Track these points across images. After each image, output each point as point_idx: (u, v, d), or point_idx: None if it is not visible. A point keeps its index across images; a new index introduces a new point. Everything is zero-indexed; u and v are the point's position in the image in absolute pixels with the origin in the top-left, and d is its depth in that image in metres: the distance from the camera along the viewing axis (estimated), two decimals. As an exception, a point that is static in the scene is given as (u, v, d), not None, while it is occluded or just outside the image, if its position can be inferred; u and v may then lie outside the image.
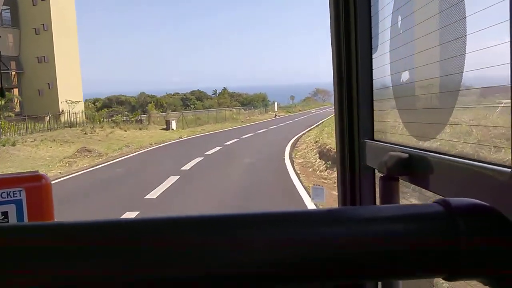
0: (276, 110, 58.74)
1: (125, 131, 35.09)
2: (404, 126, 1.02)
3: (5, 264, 0.37)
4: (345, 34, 1.22)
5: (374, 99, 1.18)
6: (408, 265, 0.41)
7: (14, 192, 1.13)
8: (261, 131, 33.58)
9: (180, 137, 31.48)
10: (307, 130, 31.11)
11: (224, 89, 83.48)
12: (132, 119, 41.92)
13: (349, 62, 1.22)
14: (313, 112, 63.32)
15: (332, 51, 1.28)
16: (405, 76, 1.00)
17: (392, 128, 1.13)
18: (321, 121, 36.91)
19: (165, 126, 38.28)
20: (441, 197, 0.46)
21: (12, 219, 1.12)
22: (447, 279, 0.42)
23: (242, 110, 59.74)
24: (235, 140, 27.00)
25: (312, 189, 7.96)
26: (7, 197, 1.13)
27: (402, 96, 1.05)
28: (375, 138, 1.16)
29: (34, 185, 1.16)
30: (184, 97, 74.29)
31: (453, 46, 0.79)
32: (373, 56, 1.18)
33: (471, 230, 0.41)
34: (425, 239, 0.41)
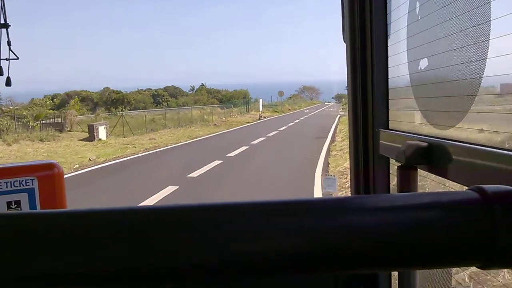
0: (260, 109, 45.17)
1: (9, 144, 21.08)
2: (422, 114, 1.00)
3: (18, 252, 0.37)
4: (360, 21, 1.20)
5: (389, 87, 1.16)
6: (443, 254, 0.40)
7: (27, 181, 1.13)
8: (240, 151, 17.32)
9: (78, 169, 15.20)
10: (325, 151, 16.80)
11: (202, 85, 74.07)
12: (35, 125, 27.20)
13: (363, 49, 1.20)
14: (306, 112, 52.31)
15: (346, 39, 1.26)
16: (423, 63, 0.98)
17: (408, 117, 1.11)
18: (333, 128, 26.86)
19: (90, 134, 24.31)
20: (463, 186, 0.45)
21: (25, 208, 1.12)
22: (482, 267, 0.41)
23: (218, 109, 46.94)
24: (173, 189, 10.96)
25: (324, 179, 7.83)
26: (20, 186, 1.13)
27: (420, 84, 1.03)
28: (390, 127, 1.15)
29: (46, 173, 1.15)
30: (156, 93, 66.10)
31: (475, 32, 0.77)
32: (388, 43, 1.15)
33: (508, 217, 0.39)
34: (460, 226, 0.40)
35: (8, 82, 1.73)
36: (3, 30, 1.63)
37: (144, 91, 65.76)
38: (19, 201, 1.13)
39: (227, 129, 30.56)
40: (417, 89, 1.04)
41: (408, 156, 0.86)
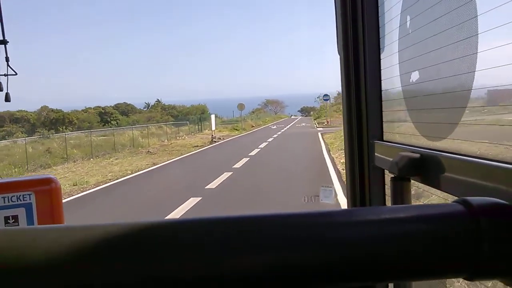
0: (213, 127, 33.18)
1: None
2: (415, 126, 1.02)
3: (15, 268, 0.37)
4: (353, 34, 1.22)
5: (382, 99, 1.17)
6: (428, 266, 0.40)
7: (24, 196, 1.14)
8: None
9: None
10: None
11: (158, 101, 69.50)
12: None
13: (357, 62, 1.22)
14: (274, 130, 40.93)
15: (340, 52, 1.28)
16: (414, 76, 1.00)
17: (401, 128, 1.12)
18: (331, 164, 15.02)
19: None
20: (454, 197, 0.46)
21: (22, 223, 1.13)
22: (468, 279, 0.42)
23: (165, 127, 38.54)
24: None
25: (321, 190, 7.78)
26: (17, 201, 1.13)
27: (412, 96, 1.05)
28: (384, 139, 1.16)
29: (44, 188, 1.16)
30: (103, 111, 59.10)
31: (464, 46, 0.79)
32: (381, 56, 1.17)
33: (494, 229, 0.40)
34: (446, 238, 0.40)
35: (7, 98, 1.75)
36: (1, 46, 1.65)
37: (91, 109, 58.96)
38: (17, 216, 1.13)
39: (162, 161, 20.16)
40: (409, 101, 1.06)
41: (401, 167, 0.87)
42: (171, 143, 29.96)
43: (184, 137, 34.96)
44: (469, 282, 0.43)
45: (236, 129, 43.63)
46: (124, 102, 66.69)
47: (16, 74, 1.64)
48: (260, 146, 24.10)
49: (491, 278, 0.42)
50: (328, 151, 19.81)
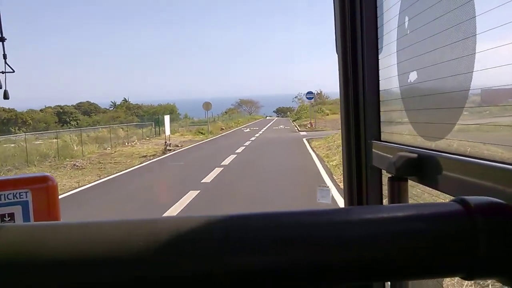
0: (168, 132, 27.61)
1: None
2: (412, 126, 1.02)
3: (10, 264, 0.37)
4: (351, 34, 1.22)
5: (380, 99, 1.17)
6: (426, 265, 0.40)
7: (21, 194, 1.13)
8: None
9: None
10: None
11: (124, 100, 64.19)
12: None
13: (355, 62, 1.22)
14: (247, 134, 34.23)
15: (338, 52, 1.28)
16: (412, 76, 1.00)
17: (399, 128, 1.13)
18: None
19: None
20: (452, 197, 0.46)
21: (18, 221, 1.13)
22: (466, 278, 0.42)
23: (122, 129, 32.27)
24: None
25: (318, 190, 7.74)
26: (13, 199, 1.13)
27: (410, 96, 1.05)
28: (381, 139, 1.16)
29: (40, 186, 1.16)
30: (61, 110, 54.61)
31: (462, 46, 0.79)
32: (380, 56, 1.17)
33: (491, 228, 0.40)
34: (444, 237, 0.40)
35: (5, 95, 1.74)
36: None
37: (50, 108, 54.12)
38: (13, 213, 1.13)
39: (81, 184, 13.98)
40: (407, 101, 1.06)
41: (398, 167, 0.88)
42: (114, 152, 23.61)
43: (135, 143, 28.26)
44: (467, 281, 0.43)
45: (202, 133, 35.88)
46: (87, 101, 62.89)
47: (13, 71, 1.64)
48: (224, 162, 16.58)
49: (488, 277, 0.42)
50: (330, 174, 12.89)
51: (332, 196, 8.49)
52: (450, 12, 0.82)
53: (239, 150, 21.04)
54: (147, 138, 31.92)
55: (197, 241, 0.39)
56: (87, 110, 59.82)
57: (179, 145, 26.08)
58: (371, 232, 0.40)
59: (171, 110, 60.69)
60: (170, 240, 0.39)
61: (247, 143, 25.72)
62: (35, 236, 0.39)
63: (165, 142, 25.35)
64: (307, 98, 43.47)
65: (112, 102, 66.35)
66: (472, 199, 0.42)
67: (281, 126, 45.94)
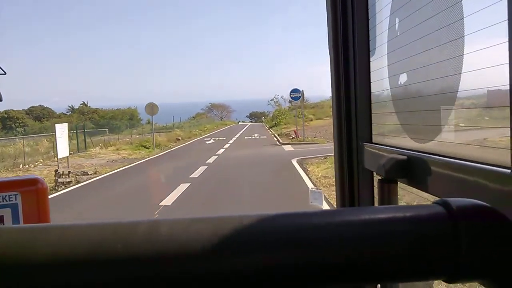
0: (62, 152, 16.63)
1: None
2: (403, 128, 1.02)
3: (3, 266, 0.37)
4: (343, 36, 1.22)
5: (372, 101, 1.17)
6: (408, 267, 0.40)
7: (10, 196, 1.13)
8: None
9: None
10: None
11: (83, 104, 59.73)
12: None
13: (347, 64, 1.21)
14: (208, 148, 25.90)
15: (330, 54, 1.28)
16: (403, 78, 1.00)
17: (390, 131, 1.12)
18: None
19: None
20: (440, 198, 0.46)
21: (8, 223, 1.12)
22: (448, 281, 0.41)
23: (45, 140, 25.63)
24: None
25: (310, 192, 7.73)
26: (3, 201, 1.12)
27: (400, 98, 1.05)
28: (373, 141, 1.16)
29: (30, 189, 1.15)
30: (6, 115, 49.07)
31: (451, 47, 0.79)
32: (371, 58, 1.17)
33: (472, 231, 0.40)
34: (425, 240, 0.40)
35: None
36: None
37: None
38: (2, 216, 1.12)
39: None
40: (397, 103, 1.05)
41: (388, 169, 0.87)
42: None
43: (27, 167, 19.74)
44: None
45: (145, 147, 27.23)
46: (40, 105, 57.97)
47: (5, 73, 1.63)
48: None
49: (470, 280, 0.41)
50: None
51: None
52: (439, 14, 0.82)
53: (178, 192, 12.28)
54: (70, 154, 19.48)
55: (187, 243, 0.38)
56: (40, 115, 54.84)
57: (93, 172, 17.18)
58: (352, 234, 0.40)
59: (130, 114, 56.02)
60: (164, 241, 0.38)
61: (200, 168, 16.60)
62: (24, 239, 0.38)
63: (56, 170, 15.62)
64: (291, 98, 32.30)
65: (70, 106, 61.30)
66: (455, 201, 0.42)
67: (256, 135, 37.05)
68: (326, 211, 0.43)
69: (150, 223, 0.40)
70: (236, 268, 0.39)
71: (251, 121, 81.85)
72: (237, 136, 37.32)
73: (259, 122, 72.28)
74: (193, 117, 70.32)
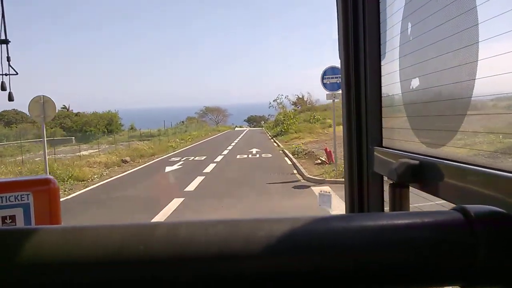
0: None
1: None
2: (414, 133, 1.02)
3: (11, 268, 0.37)
4: (354, 41, 1.22)
5: (382, 106, 1.17)
6: (425, 273, 0.40)
7: (22, 196, 1.14)
8: None
9: None
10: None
11: (64, 108, 54.64)
12: None
13: (357, 68, 1.22)
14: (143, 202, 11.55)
15: (341, 58, 1.28)
16: (414, 83, 1.00)
17: (401, 135, 1.12)
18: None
19: None
20: (453, 205, 0.46)
21: (20, 223, 1.13)
22: (465, 287, 0.41)
23: None
24: None
25: (319, 195, 7.65)
26: (15, 201, 1.13)
27: (412, 103, 1.05)
28: (383, 145, 1.16)
29: (42, 188, 1.16)
30: None
31: (464, 53, 0.79)
32: (382, 63, 1.17)
33: (490, 238, 0.40)
34: (443, 246, 0.40)
35: (10, 97, 1.74)
36: (3, 45, 1.65)
37: None
38: (14, 216, 1.13)
39: None
40: (409, 108, 1.06)
41: (400, 174, 0.87)
42: None
43: None
44: None
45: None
46: (14, 110, 52.42)
47: (17, 73, 1.64)
48: None
49: (488, 286, 0.41)
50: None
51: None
52: (453, 19, 0.82)
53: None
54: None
55: (206, 244, 0.39)
56: (11, 119, 50.34)
57: None
58: (370, 239, 0.40)
59: (109, 119, 48.67)
60: (168, 244, 0.39)
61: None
62: (35, 240, 0.39)
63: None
64: (324, 85, 14.42)
65: None
66: (472, 207, 0.42)
67: (255, 151, 24.82)
68: (344, 216, 0.43)
69: (169, 225, 0.41)
70: (255, 270, 0.39)
71: (249, 126, 75.15)
72: (226, 152, 25.26)
73: (259, 127, 64.49)
74: (182, 121, 63.31)
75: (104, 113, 51.32)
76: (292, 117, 37.14)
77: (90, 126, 44.69)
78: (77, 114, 51.63)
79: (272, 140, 34.66)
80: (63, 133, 40.07)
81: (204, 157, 22.56)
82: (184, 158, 22.68)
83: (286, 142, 29.14)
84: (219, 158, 21.73)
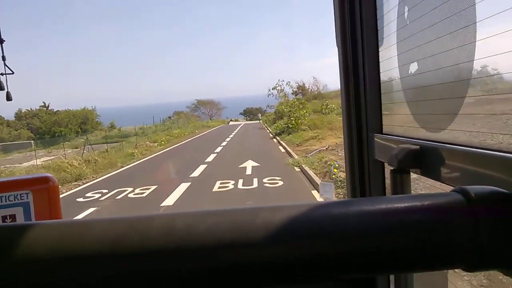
0: None
1: None
2: (414, 118, 1.00)
3: (10, 263, 0.37)
4: (351, 27, 1.20)
5: (381, 92, 1.16)
6: (427, 256, 0.40)
7: (22, 195, 1.13)
8: None
9: None
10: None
11: (43, 106, 47.89)
12: None
13: (355, 55, 1.20)
14: None
15: (338, 45, 1.27)
16: (413, 67, 0.99)
17: (401, 121, 1.11)
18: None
19: None
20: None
21: (20, 222, 1.12)
22: (468, 270, 0.41)
23: None
24: None
25: (320, 185, 7.64)
26: (15, 200, 1.13)
27: (411, 88, 1.03)
28: (383, 132, 1.15)
29: (42, 187, 1.15)
30: None
31: (462, 35, 0.78)
32: (380, 48, 1.16)
33: (492, 218, 0.39)
34: (444, 228, 0.39)
35: (8, 97, 1.73)
36: None
37: None
38: (14, 215, 1.13)
39: None
40: (408, 93, 1.04)
41: (400, 159, 0.86)
42: None
43: None
44: (470, 274, 0.41)
45: None
46: None
47: (13, 73, 1.63)
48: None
49: (490, 268, 0.41)
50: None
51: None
52: (449, 0, 0.81)
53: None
54: None
55: (203, 235, 0.39)
56: None
57: None
58: (369, 224, 0.39)
59: (83, 118, 42.29)
60: (164, 235, 0.39)
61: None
62: (33, 235, 0.39)
63: None
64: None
65: (18, 111, 47.96)
66: (473, 188, 0.41)
67: (249, 168, 14.64)
68: (343, 201, 0.43)
69: (167, 217, 0.40)
70: (254, 259, 0.38)
71: (245, 119, 68.76)
72: (200, 169, 15.63)
73: (256, 120, 58.11)
74: (169, 117, 56.37)
75: (77, 110, 44.98)
76: (300, 106, 27.58)
77: (60, 126, 38.89)
78: (48, 113, 44.40)
79: (274, 140, 24.79)
80: (30, 135, 33.99)
81: (154, 187, 12.75)
82: (110, 195, 12.41)
83: (298, 145, 19.01)
84: (179, 191, 11.78)
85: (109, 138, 33.46)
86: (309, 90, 48.41)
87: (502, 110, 0.76)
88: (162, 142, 29.34)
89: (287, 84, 34.39)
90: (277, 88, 34.15)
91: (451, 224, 0.39)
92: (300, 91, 45.87)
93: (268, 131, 34.24)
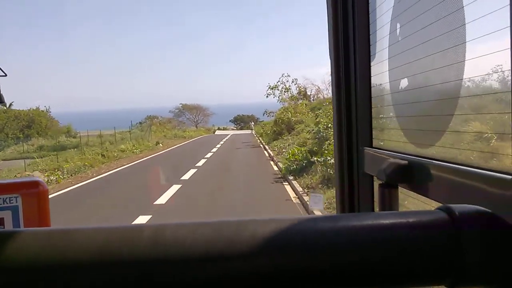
0: None
1: None
2: (403, 133, 1.02)
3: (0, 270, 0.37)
4: (344, 41, 1.22)
5: (372, 106, 1.18)
6: (410, 273, 0.40)
7: (11, 199, 1.12)
8: None
9: None
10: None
11: (10, 106, 39.12)
12: None
13: (347, 69, 1.22)
14: None
15: (331, 59, 1.28)
16: (403, 83, 1.00)
17: (391, 135, 1.13)
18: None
19: None
20: (442, 204, 0.46)
21: (8, 226, 1.12)
22: (451, 287, 0.41)
23: None
24: None
25: (311, 196, 7.68)
26: (3, 204, 1.12)
27: (401, 103, 1.05)
28: (373, 146, 1.16)
29: (31, 191, 1.15)
30: None
31: (452, 53, 0.79)
32: (372, 63, 1.18)
33: (475, 237, 0.40)
34: (428, 246, 0.40)
35: (1, 100, 1.72)
36: None
37: None
38: (3, 218, 1.12)
39: None
40: (398, 108, 1.06)
41: (389, 174, 0.87)
42: None
43: None
44: None
45: None
46: None
47: (5, 75, 1.62)
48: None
49: (474, 285, 0.41)
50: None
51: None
52: (441, 19, 0.83)
53: None
54: None
55: (192, 246, 0.39)
56: None
57: None
58: (355, 239, 0.40)
59: (29, 120, 35.35)
60: (151, 245, 0.39)
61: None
62: (29, 242, 0.39)
63: None
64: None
65: None
66: (457, 207, 0.42)
67: None
68: (330, 216, 0.43)
69: (155, 227, 0.41)
70: (241, 271, 0.39)
71: (235, 128, 63.34)
72: None
73: (247, 129, 52.31)
74: (140, 122, 46.80)
75: (25, 110, 38.12)
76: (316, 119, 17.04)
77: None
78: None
79: (287, 189, 12.53)
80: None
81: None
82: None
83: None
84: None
85: (44, 149, 27.77)
86: (311, 96, 34.36)
87: (489, 129, 0.78)
88: (96, 162, 18.77)
89: (293, 81, 25.26)
90: (280, 87, 25.30)
91: (435, 241, 0.40)
92: (302, 96, 32.84)
93: (266, 153, 22.16)
